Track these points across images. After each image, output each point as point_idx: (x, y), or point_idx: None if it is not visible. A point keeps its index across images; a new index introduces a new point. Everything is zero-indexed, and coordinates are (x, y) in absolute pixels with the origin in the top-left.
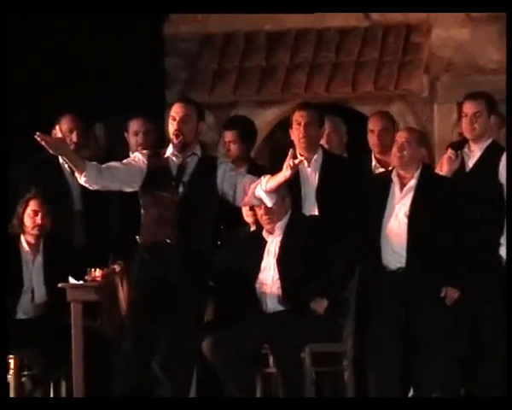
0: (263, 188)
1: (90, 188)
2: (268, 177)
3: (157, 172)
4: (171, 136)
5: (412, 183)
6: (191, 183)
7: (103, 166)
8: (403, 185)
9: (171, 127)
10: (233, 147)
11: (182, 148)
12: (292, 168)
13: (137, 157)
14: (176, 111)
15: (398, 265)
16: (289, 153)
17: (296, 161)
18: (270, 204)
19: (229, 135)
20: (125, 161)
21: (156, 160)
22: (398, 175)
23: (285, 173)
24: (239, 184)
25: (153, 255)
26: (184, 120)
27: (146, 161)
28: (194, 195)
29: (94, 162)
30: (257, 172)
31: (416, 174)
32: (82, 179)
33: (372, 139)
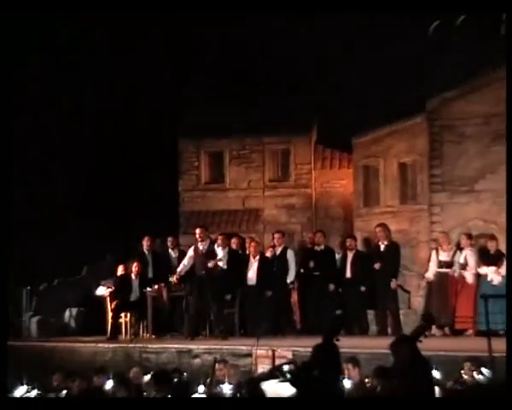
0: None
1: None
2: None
3: (197, 254)
4: (199, 240)
5: (257, 257)
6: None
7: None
8: (254, 257)
9: (198, 236)
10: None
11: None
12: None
13: (190, 250)
14: (198, 231)
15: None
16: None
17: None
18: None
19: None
20: (187, 257)
21: (196, 249)
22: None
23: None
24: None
25: (196, 279)
26: (201, 234)
27: (194, 249)
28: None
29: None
30: None
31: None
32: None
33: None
